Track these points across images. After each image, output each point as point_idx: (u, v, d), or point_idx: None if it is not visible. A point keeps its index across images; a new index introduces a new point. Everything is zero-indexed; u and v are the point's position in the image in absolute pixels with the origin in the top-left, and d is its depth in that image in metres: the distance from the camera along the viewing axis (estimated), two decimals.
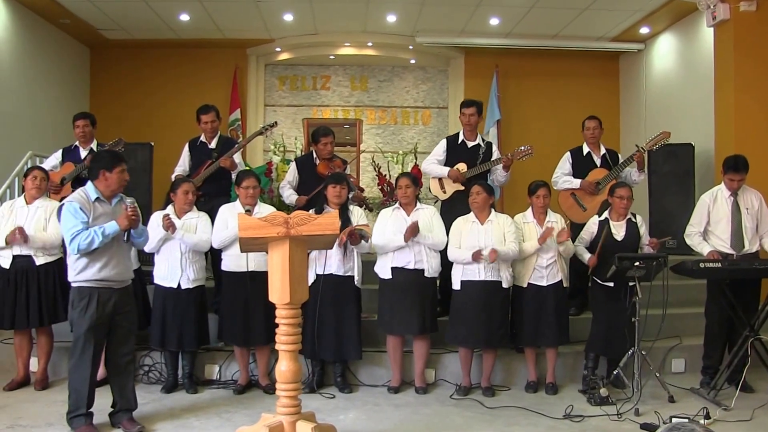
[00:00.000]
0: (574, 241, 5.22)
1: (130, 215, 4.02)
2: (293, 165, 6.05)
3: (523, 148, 5.72)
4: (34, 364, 5.17)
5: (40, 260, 4.99)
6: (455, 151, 5.79)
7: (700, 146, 7.57)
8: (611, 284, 5.00)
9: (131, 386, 4.29)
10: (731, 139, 6.59)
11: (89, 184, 4.13)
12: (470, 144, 5.79)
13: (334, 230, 3.55)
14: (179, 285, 4.96)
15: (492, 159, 5.70)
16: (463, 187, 5.63)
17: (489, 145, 5.85)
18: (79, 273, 4.03)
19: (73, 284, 4.09)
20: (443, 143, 5.91)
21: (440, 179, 5.73)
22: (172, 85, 9.74)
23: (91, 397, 4.10)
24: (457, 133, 5.92)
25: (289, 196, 5.81)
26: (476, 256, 4.86)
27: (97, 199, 4.07)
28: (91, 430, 4.06)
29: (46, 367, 5.12)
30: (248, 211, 4.88)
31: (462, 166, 5.67)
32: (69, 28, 8.91)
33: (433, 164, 5.77)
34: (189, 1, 8.03)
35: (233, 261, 5.01)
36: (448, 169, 5.69)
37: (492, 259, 4.82)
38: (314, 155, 5.83)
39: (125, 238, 4.08)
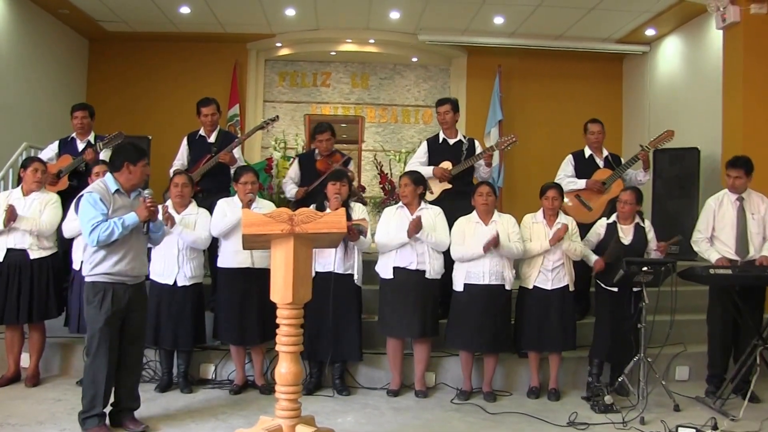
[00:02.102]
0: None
1: (149, 206, 3.92)
2: (296, 161, 6.00)
3: (505, 138, 5.65)
4: (26, 360, 5.04)
5: (34, 254, 4.87)
6: (437, 151, 5.71)
7: (706, 151, 7.50)
8: (615, 289, 4.91)
9: (136, 386, 4.19)
10: (739, 144, 6.49)
11: (109, 175, 4.03)
12: (452, 141, 5.72)
13: (340, 228, 3.43)
14: (175, 282, 4.85)
15: (476, 154, 5.62)
16: (450, 186, 5.56)
17: (471, 141, 5.77)
18: (95, 267, 3.90)
19: (87, 279, 3.96)
20: (424, 145, 5.85)
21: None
22: (171, 79, 9.64)
23: (107, 396, 3.97)
24: (437, 134, 5.85)
25: (291, 190, 5.78)
26: (488, 247, 4.74)
27: (117, 191, 3.96)
28: (104, 430, 3.93)
29: (38, 363, 5.00)
30: (250, 201, 4.82)
31: (447, 164, 5.59)
32: (68, 19, 8.79)
33: (417, 166, 5.65)
34: None
35: (229, 257, 4.91)
36: (432, 168, 5.60)
37: (492, 242, 4.71)
38: (316, 151, 5.78)
39: (144, 230, 3.98)
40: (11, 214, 4.74)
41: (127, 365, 4.08)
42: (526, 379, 5.15)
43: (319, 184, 5.52)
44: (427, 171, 5.57)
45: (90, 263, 3.92)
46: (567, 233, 4.91)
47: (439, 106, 5.77)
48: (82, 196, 3.94)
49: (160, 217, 4.16)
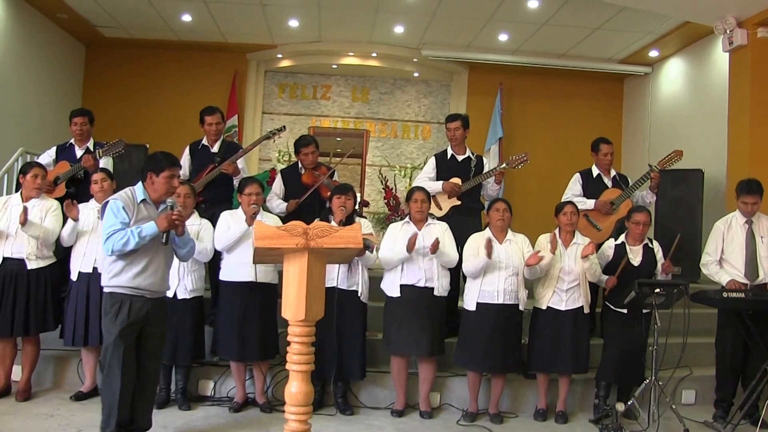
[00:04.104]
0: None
1: (170, 216, 3.69)
2: (279, 176, 5.89)
3: (517, 156, 5.59)
4: (17, 373, 4.87)
5: (32, 264, 4.71)
6: (446, 167, 5.65)
7: (710, 173, 7.46)
8: (624, 310, 4.83)
9: (151, 405, 3.99)
10: (745, 167, 6.46)
11: (139, 184, 3.85)
12: (460, 158, 5.67)
13: (356, 243, 3.30)
14: (175, 295, 4.71)
15: (485, 171, 5.56)
16: (459, 202, 5.49)
17: (479, 158, 5.73)
18: (113, 277, 3.73)
19: (105, 289, 3.79)
20: (432, 160, 5.77)
21: (434, 196, 5.54)
22: (169, 87, 9.55)
23: (122, 410, 3.72)
24: (445, 150, 5.78)
25: (279, 205, 5.63)
26: (532, 263, 4.69)
27: (144, 201, 3.79)
28: None
29: (30, 377, 4.82)
30: (254, 213, 4.72)
31: (457, 180, 5.53)
32: (65, 23, 8.67)
33: (425, 182, 5.58)
34: (194, 1, 7.83)
35: (232, 270, 4.77)
36: (441, 183, 5.54)
37: (536, 261, 4.67)
38: (300, 165, 5.68)
39: (164, 240, 3.74)
40: (24, 217, 4.57)
41: (142, 382, 3.86)
42: (533, 401, 5.05)
43: (309, 197, 5.45)
44: (436, 186, 5.51)
45: (108, 273, 3.75)
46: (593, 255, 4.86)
47: (450, 122, 5.69)
48: (108, 202, 3.77)
49: (188, 233, 3.95)
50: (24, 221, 4.57)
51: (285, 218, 5.44)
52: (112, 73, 9.54)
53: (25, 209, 4.62)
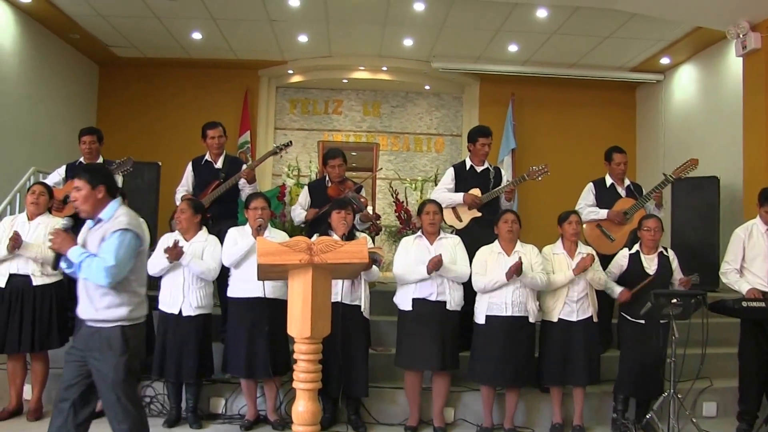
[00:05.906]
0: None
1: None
2: (306, 188, 5.88)
3: (537, 167, 5.52)
4: (28, 392, 4.85)
5: (37, 281, 4.71)
6: (465, 178, 5.60)
7: (726, 180, 7.34)
8: (641, 321, 4.73)
9: None
10: (762, 173, 6.36)
11: None
12: (479, 169, 5.63)
13: (362, 258, 3.25)
14: (180, 311, 4.68)
15: (503, 184, 5.54)
16: (480, 214, 5.43)
17: (497, 169, 5.70)
18: None
19: None
20: (451, 171, 5.73)
21: (454, 208, 5.50)
22: (181, 105, 9.61)
23: None
24: (464, 161, 5.75)
25: (299, 214, 5.62)
26: (511, 274, 4.57)
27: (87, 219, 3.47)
28: None
29: (41, 395, 4.80)
30: (260, 227, 4.69)
31: (476, 191, 5.48)
32: (78, 44, 8.78)
33: (445, 193, 5.54)
34: (203, 19, 7.89)
35: (240, 287, 4.75)
36: (462, 194, 5.48)
37: (515, 268, 4.55)
38: (327, 178, 5.66)
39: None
40: (16, 241, 4.61)
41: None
42: (548, 415, 4.95)
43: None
44: (456, 198, 5.47)
45: None
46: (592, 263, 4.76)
47: (484, 138, 5.58)
48: None
49: (71, 253, 3.27)
50: (11, 249, 4.59)
51: (305, 226, 5.53)
52: (125, 92, 9.65)
53: (16, 234, 4.61)
